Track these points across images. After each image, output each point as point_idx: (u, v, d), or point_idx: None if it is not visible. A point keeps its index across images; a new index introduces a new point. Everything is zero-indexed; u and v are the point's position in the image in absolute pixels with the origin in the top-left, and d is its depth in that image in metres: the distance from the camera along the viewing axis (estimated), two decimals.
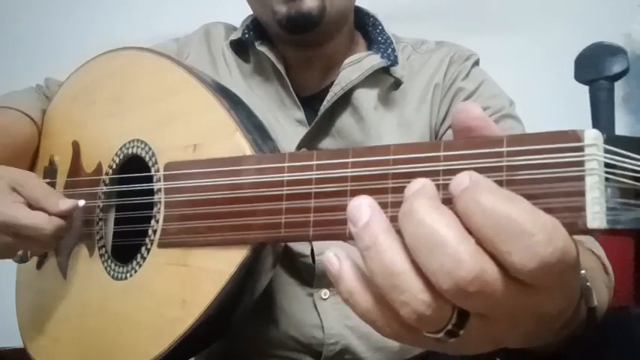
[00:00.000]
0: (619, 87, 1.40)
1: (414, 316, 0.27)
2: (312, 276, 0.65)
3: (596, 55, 0.34)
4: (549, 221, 0.25)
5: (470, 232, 0.26)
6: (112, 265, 0.56)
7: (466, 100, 0.70)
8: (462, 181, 0.27)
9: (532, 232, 0.24)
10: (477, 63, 0.75)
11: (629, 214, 0.27)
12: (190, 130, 0.51)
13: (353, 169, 0.36)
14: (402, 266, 0.27)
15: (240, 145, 0.46)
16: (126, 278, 0.54)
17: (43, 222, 0.53)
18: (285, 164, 0.40)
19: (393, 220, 0.34)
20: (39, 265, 0.67)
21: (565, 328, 0.34)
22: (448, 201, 0.28)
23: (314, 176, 0.38)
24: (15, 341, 0.70)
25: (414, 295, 0.26)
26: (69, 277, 0.62)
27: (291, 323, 0.65)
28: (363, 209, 0.29)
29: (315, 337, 0.64)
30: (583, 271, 0.36)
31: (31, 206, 0.54)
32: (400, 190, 0.33)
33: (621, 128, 1.42)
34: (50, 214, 0.54)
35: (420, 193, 0.28)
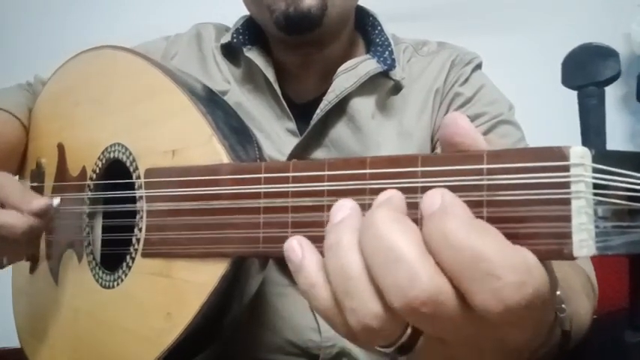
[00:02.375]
0: (619, 87, 1.37)
1: (359, 326, 0.25)
2: None
3: (585, 58, 0.31)
4: (522, 261, 0.23)
5: (434, 261, 0.24)
6: (100, 273, 0.55)
7: (463, 107, 0.67)
8: (432, 202, 0.25)
9: (500, 275, 0.22)
10: (478, 66, 0.71)
11: (620, 238, 0.24)
12: (168, 134, 0.49)
13: (329, 183, 0.34)
14: (357, 270, 0.25)
15: (216, 151, 0.44)
16: (113, 287, 0.53)
17: (15, 220, 0.50)
18: (262, 175, 0.38)
19: None
20: (32, 270, 0.67)
21: (536, 352, 0.32)
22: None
23: (290, 189, 0.36)
24: (15, 341, 0.70)
25: (364, 304, 0.25)
26: (60, 282, 0.61)
27: (287, 326, 0.63)
28: (343, 209, 0.28)
29: (312, 340, 0.63)
30: (558, 292, 0.34)
31: (4, 206, 0.52)
32: None
33: (621, 129, 1.38)
34: (23, 212, 0.51)
35: (384, 204, 0.27)
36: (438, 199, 0.25)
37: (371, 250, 0.25)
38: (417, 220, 0.28)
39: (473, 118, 0.66)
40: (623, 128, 1.39)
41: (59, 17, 1.48)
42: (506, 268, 0.22)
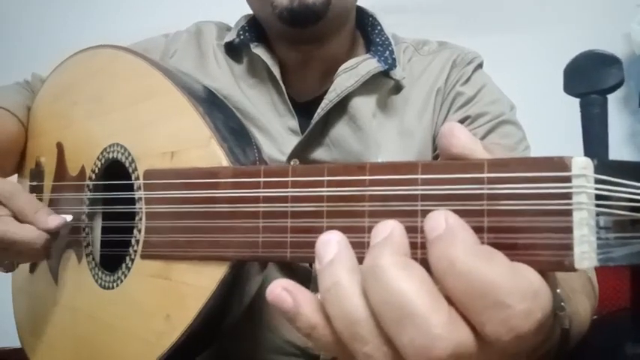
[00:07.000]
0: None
1: None
2: (308, 279, 0.63)
3: (588, 65, 0.30)
4: (529, 288, 0.23)
5: (442, 289, 0.24)
6: (100, 274, 0.55)
7: (465, 106, 0.67)
8: (437, 225, 0.24)
9: (509, 304, 0.22)
10: (479, 66, 0.71)
11: (623, 249, 0.24)
12: (167, 135, 0.49)
13: (329, 188, 0.33)
14: (363, 315, 0.24)
15: (215, 153, 0.44)
16: (113, 287, 0.53)
17: (33, 237, 0.52)
18: (261, 179, 0.38)
19: None
20: (32, 269, 0.67)
21: (535, 352, 0.32)
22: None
23: (290, 194, 0.36)
24: (15, 341, 0.70)
25: (378, 347, 0.24)
26: (60, 282, 0.61)
27: (287, 326, 0.63)
28: (330, 246, 0.26)
29: None
30: (558, 290, 0.34)
31: (18, 219, 0.53)
32: (377, 214, 0.31)
33: (621, 129, 1.38)
34: (39, 229, 0.53)
35: (387, 245, 0.25)
36: (441, 223, 0.24)
37: (379, 302, 0.24)
38: (417, 229, 0.28)
39: (474, 118, 0.66)
40: (623, 128, 1.38)
41: (59, 17, 1.47)
42: (516, 297, 0.22)
